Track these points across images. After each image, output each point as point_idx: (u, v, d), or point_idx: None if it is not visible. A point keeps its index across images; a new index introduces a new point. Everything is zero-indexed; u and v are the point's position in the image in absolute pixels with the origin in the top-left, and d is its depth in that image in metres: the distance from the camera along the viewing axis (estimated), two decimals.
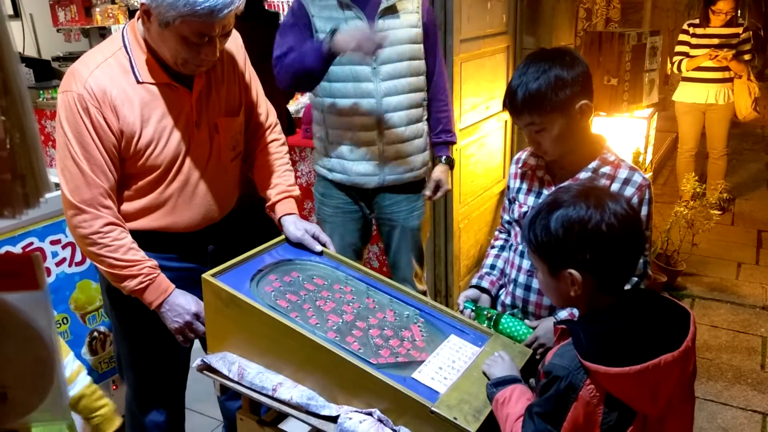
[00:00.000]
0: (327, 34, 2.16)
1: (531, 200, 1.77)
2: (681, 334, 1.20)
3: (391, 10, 2.34)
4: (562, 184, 1.67)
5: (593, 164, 1.67)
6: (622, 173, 1.67)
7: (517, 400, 1.32)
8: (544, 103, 1.58)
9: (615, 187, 1.65)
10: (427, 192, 2.57)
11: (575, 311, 1.67)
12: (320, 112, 2.47)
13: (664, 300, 1.29)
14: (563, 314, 1.69)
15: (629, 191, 1.65)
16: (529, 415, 1.26)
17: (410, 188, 2.55)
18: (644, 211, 1.66)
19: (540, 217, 1.29)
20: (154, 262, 1.71)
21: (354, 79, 2.35)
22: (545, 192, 1.73)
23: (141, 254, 1.70)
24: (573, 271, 1.24)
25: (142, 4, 1.55)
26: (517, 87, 1.61)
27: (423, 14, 2.42)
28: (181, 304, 1.72)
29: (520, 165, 1.84)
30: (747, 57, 4.74)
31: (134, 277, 1.67)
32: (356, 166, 2.45)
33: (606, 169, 1.67)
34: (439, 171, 2.57)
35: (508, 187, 1.88)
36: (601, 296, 1.26)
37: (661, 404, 1.19)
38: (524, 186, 1.80)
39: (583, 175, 1.67)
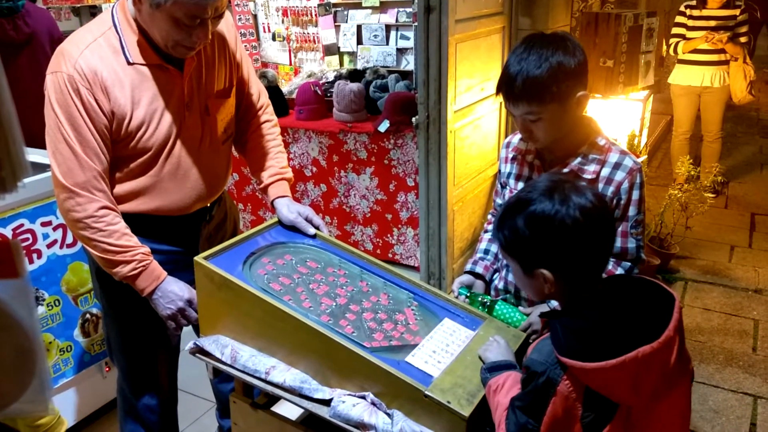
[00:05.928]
0: None
1: (521, 185, 1.74)
2: (664, 323, 1.18)
3: None
4: (545, 174, 1.66)
5: (583, 149, 1.64)
6: (613, 157, 1.64)
7: (509, 390, 1.31)
8: (545, 93, 1.52)
9: (606, 171, 1.63)
10: None
11: None
12: None
13: (649, 285, 1.26)
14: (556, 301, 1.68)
15: (620, 175, 1.62)
16: (512, 408, 1.25)
17: None
18: (636, 195, 1.64)
19: (507, 216, 1.26)
20: (147, 249, 1.70)
21: None
22: (535, 177, 1.71)
23: (134, 240, 1.68)
24: (544, 271, 1.22)
25: None
26: (517, 74, 1.53)
27: None
28: (173, 291, 1.71)
29: (510, 149, 1.81)
30: (743, 39, 4.72)
31: (127, 263, 1.66)
32: None
33: (596, 154, 1.64)
34: None
35: (500, 171, 1.86)
36: (577, 290, 1.24)
37: (645, 396, 1.17)
38: (514, 171, 1.78)
39: (573, 160, 1.64)
